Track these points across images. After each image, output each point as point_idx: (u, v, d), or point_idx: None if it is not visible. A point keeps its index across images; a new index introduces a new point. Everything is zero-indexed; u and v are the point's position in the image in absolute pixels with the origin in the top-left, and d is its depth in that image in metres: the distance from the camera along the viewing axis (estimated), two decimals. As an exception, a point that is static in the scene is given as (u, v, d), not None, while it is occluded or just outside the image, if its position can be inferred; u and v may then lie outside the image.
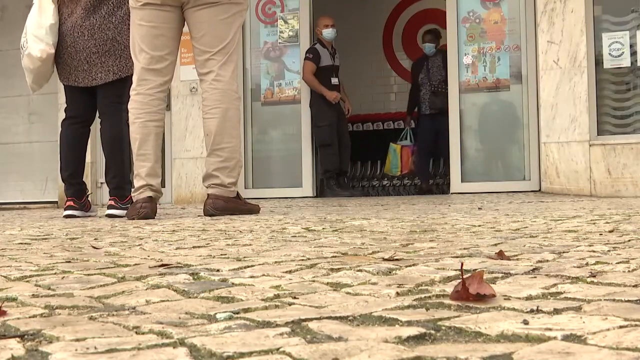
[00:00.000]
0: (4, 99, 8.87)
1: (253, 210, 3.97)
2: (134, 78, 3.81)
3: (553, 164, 6.46)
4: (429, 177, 8.82)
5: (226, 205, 3.76)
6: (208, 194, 3.80)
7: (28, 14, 4.38)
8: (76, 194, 4.36)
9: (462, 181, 7.15)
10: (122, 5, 4.15)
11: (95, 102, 4.34)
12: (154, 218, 3.75)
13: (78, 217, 4.26)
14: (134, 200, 3.81)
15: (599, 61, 6.52)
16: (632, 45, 6.48)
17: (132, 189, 3.89)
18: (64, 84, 4.42)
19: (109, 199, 4.28)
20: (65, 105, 4.49)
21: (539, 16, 6.62)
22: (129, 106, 3.81)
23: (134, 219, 3.68)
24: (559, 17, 6.51)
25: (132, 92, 3.81)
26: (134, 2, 3.75)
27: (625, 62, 6.50)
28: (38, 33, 4.19)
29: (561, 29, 6.50)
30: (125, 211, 4.04)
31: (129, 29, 3.98)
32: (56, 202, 8.12)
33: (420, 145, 8.52)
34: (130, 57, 3.91)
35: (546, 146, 6.50)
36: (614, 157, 6.26)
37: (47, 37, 4.17)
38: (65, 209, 4.35)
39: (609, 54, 6.51)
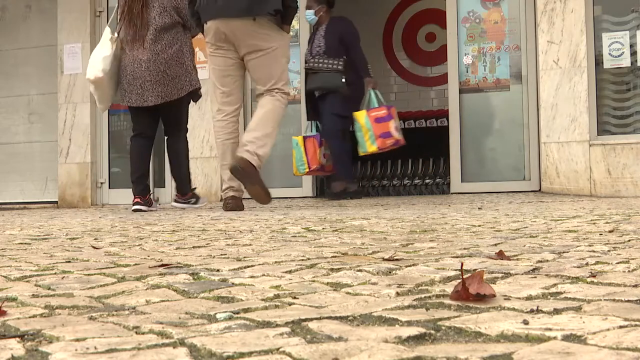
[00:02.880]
0: (4, 99, 8.87)
1: (265, 191, 4.54)
2: (214, 108, 4.86)
3: (553, 164, 6.46)
4: (352, 175, 7.13)
5: (250, 173, 4.39)
6: (237, 157, 4.44)
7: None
8: (142, 193, 5.27)
9: (462, 181, 7.15)
10: (173, 46, 5.15)
11: (153, 122, 5.40)
12: (243, 209, 4.60)
13: (144, 211, 5.13)
14: (223, 198, 4.77)
15: (599, 61, 6.52)
16: (632, 45, 6.47)
17: (222, 190, 4.80)
18: (127, 106, 5.40)
19: (175, 194, 5.52)
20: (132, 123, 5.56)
21: (539, 16, 6.62)
22: (213, 129, 4.88)
23: (228, 209, 4.62)
24: (559, 17, 6.51)
25: (213, 119, 4.86)
26: (210, 51, 4.74)
27: (625, 62, 6.50)
28: (94, 61, 5.20)
29: (561, 29, 6.50)
30: (185, 204, 5.34)
31: (176, 63, 5.12)
32: (56, 202, 8.12)
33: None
34: (176, 85, 5.12)
35: (546, 146, 6.50)
36: (614, 157, 6.26)
37: (99, 64, 5.13)
38: (133, 204, 5.25)
39: (609, 54, 6.50)
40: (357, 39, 7.04)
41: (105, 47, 5.17)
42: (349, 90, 6.69)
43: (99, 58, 5.14)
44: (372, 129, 6.62)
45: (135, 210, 5.13)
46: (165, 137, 5.51)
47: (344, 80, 6.71)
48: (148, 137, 5.40)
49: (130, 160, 5.46)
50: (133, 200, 5.27)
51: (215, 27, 4.59)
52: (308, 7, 7.06)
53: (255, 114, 4.63)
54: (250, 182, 4.44)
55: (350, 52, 6.86)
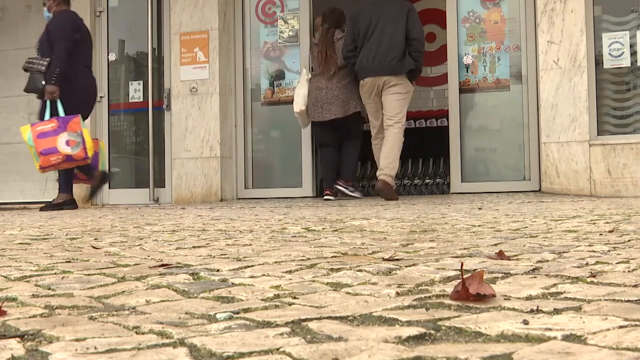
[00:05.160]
0: (4, 99, 8.87)
1: (395, 197, 6.39)
2: (373, 132, 6.62)
3: (553, 164, 6.46)
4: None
5: (389, 188, 6.27)
6: (379, 179, 6.28)
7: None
8: (330, 187, 6.80)
9: (462, 181, 7.15)
10: (345, 79, 6.74)
11: (333, 135, 6.92)
12: (390, 195, 6.19)
13: (333, 200, 6.62)
14: (377, 178, 6.30)
15: (599, 61, 6.52)
16: (632, 45, 6.47)
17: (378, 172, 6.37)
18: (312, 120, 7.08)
19: (339, 180, 6.82)
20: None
21: (539, 16, 6.61)
22: (373, 147, 6.61)
23: (384, 195, 6.24)
24: (559, 17, 6.51)
25: (373, 141, 6.61)
26: (365, 99, 6.55)
27: (625, 62, 6.49)
28: (298, 98, 6.95)
29: (561, 29, 6.50)
30: (345, 188, 6.74)
31: (347, 91, 6.73)
32: (56, 202, 8.10)
33: None
34: (344, 106, 6.71)
35: (546, 146, 6.49)
36: (614, 157, 6.26)
37: (302, 101, 6.91)
38: (324, 196, 6.79)
39: (609, 54, 6.50)
40: (62, 35, 6.21)
41: (304, 87, 6.96)
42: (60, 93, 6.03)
43: (302, 95, 6.96)
44: (35, 145, 5.84)
45: (325, 200, 6.69)
46: (343, 143, 6.98)
47: (44, 83, 6.02)
48: (334, 147, 6.97)
49: (321, 165, 7.30)
50: (324, 192, 6.94)
51: (371, 81, 6.42)
52: (44, 4, 6.60)
53: (384, 145, 6.36)
54: (387, 193, 6.27)
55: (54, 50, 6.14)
